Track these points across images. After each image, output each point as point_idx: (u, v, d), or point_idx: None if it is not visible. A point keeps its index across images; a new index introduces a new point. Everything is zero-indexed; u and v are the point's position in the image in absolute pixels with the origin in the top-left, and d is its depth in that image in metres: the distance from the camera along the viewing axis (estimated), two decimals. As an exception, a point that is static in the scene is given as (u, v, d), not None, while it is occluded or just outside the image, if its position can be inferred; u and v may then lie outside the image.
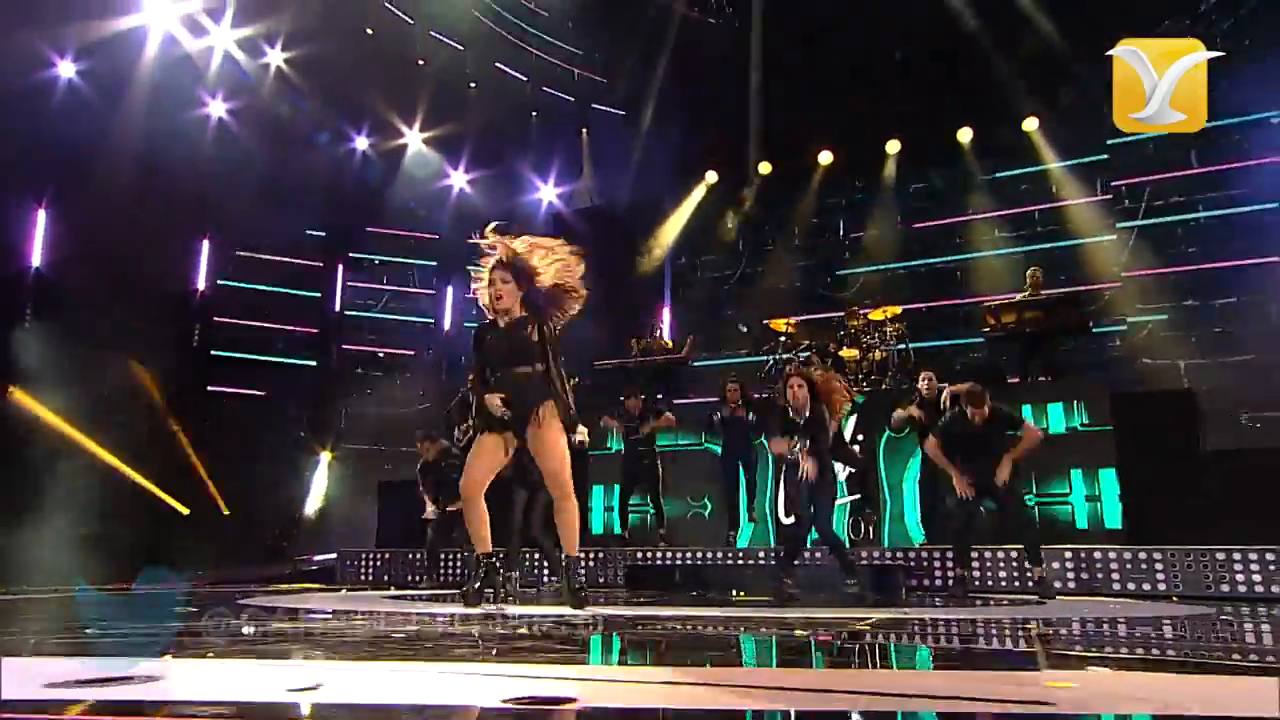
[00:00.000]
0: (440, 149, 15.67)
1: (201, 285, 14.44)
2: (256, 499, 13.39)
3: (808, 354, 10.52)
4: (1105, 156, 12.32)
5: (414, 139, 15.40)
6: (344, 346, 15.28)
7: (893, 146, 13.65)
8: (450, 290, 16.18)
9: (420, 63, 14.43)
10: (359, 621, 4.61)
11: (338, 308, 15.28)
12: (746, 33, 13.73)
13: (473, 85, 15.02)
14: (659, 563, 9.01)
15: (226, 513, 13.04)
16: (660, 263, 15.06)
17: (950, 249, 13.25)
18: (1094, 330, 10.18)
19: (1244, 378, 9.76)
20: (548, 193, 16.49)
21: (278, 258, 14.64)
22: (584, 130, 15.97)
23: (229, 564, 11.92)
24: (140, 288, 12.06)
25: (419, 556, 9.75)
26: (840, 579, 6.66)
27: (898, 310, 10.85)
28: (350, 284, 15.56)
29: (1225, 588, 7.10)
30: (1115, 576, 7.45)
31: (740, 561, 8.82)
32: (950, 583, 7.44)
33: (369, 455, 14.50)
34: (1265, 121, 11.33)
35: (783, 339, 11.28)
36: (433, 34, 14.43)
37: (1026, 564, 7.20)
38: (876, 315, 10.83)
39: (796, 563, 7.13)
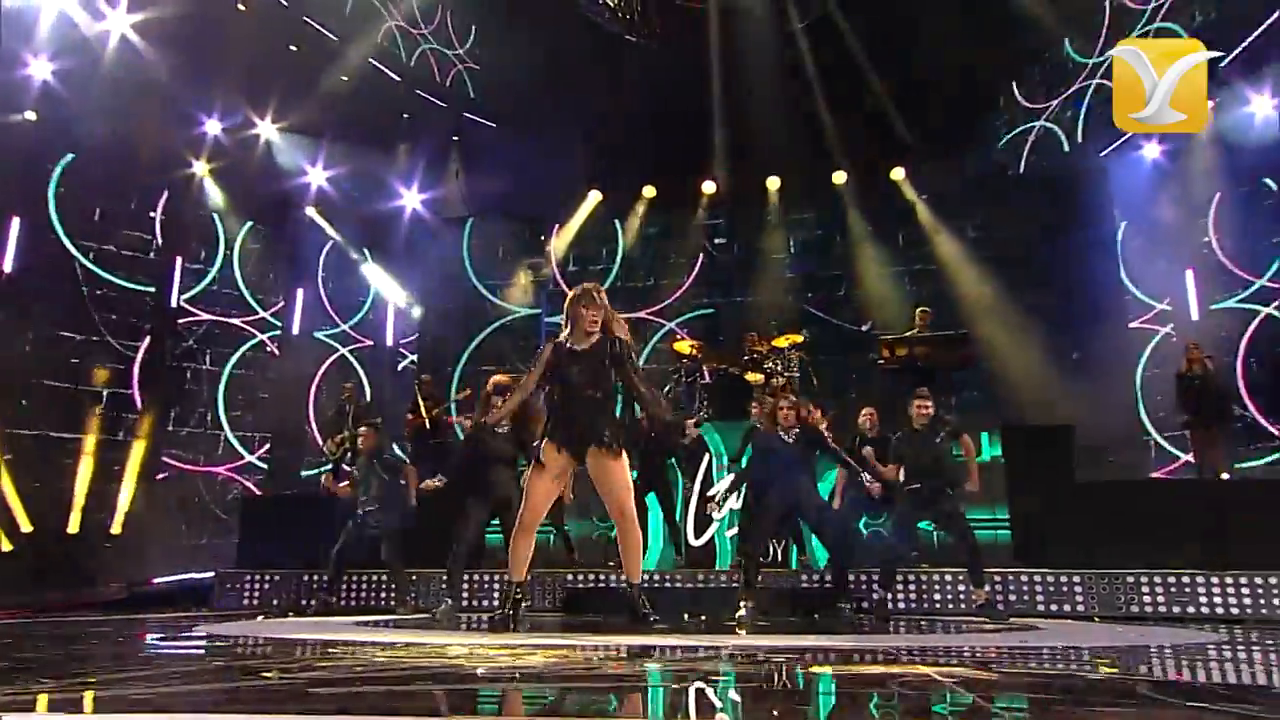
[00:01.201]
0: (301, 143, 14.54)
1: (8, 268, 12.45)
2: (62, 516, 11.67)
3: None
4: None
5: (270, 129, 14.19)
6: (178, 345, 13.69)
7: (773, 183, 14.13)
8: (300, 295, 14.97)
9: (292, 49, 13.35)
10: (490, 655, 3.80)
11: (174, 303, 13.67)
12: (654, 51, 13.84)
13: (344, 79, 14.09)
14: (601, 585, 8.69)
15: (29, 529, 11.26)
16: (546, 279, 14.71)
17: (832, 284, 13.85)
18: (978, 365, 10.99)
19: (1099, 411, 10.89)
20: (412, 198, 15.72)
21: (105, 246, 12.90)
22: (456, 137, 15.41)
23: (29, 588, 10.31)
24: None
25: (318, 579, 8.87)
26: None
27: (799, 337, 11.17)
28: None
29: (1135, 608, 7.76)
30: (1040, 598, 7.96)
31: (680, 585, 8.66)
32: (872, 604, 7.71)
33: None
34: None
35: (685, 360, 11.32)
36: (306, 19, 13.42)
37: (969, 586, 7.59)
38: (780, 342, 11.11)
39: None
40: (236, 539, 10.39)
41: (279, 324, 14.62)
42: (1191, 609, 7.65)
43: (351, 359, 15.03)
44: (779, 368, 10.89)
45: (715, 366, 11.05)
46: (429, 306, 15.36)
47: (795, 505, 7.08)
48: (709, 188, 14.31)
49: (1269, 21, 11.19)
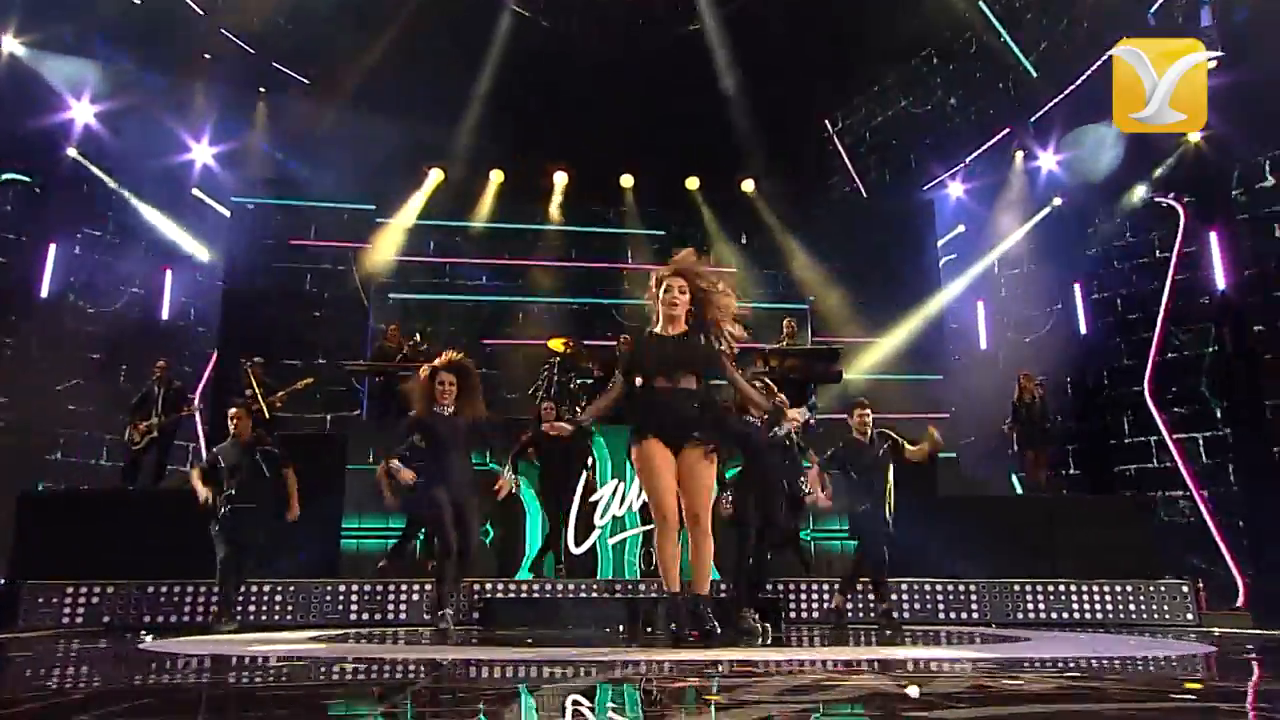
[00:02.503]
0: (61, 66, 11.96)
1: None
2: None
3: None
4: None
5: (12, 44, 11.49)
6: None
7: (627, 180, 13.83)
8: (52, 250, 12.28)
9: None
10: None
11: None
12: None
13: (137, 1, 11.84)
14: (521, 596, 8.00)
15: None
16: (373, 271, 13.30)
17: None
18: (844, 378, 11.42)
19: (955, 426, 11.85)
20: (202, 152, 13.53)
21: None
22: (263, 89, 13.51)
23: None
24: None
25: (163, 591, 7.68)
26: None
27: None
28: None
29: (1020, 615, 8.35)
30: (941, 607, 8.35)
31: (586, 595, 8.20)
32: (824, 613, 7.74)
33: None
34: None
35: (556, 359, 10.72)
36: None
37: (872, 598, 7.69)
38: None
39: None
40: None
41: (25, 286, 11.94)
42: (1066, 615, 8.38)
43: (123, 335, 12.51)
44: None
45: (587, 365, 10.55)
46: (231, 280, 13.25)
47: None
48: (561, 179, 13.70)
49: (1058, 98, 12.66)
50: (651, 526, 8.71)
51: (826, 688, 2.76)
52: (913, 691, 2.52)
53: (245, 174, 13.63)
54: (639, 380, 4.50)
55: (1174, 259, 11.56)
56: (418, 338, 10.71)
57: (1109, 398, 12.03)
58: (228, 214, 13.58)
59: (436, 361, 6.10)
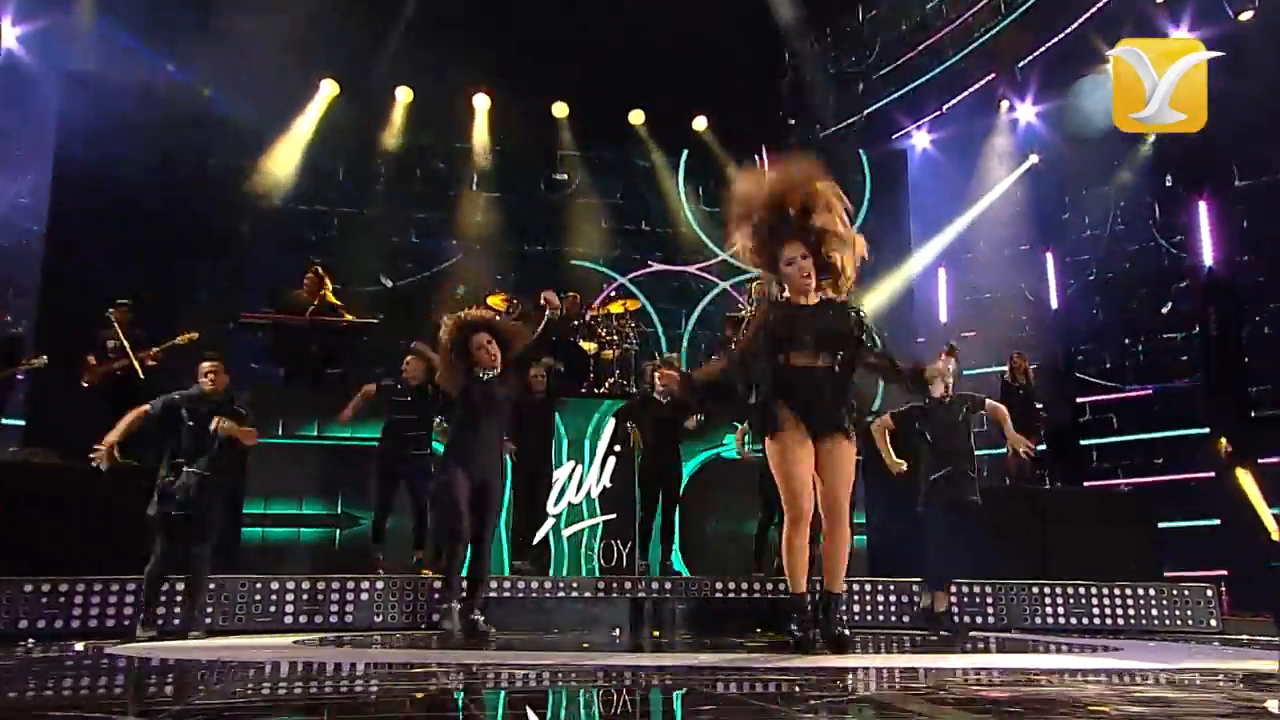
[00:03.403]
0: None
1: None
2: None
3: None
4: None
5: None
6: None
7: (561, 109, 12.05)
8: None
9: None
10: None
11: None
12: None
13: None
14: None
15: None
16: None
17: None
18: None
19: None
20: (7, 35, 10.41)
21: None
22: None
23: None
24: None
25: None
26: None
27: (637, 304, 9.64)
28: None
29: (1039, 620, 7.43)
30: (955, 610, 7.12)
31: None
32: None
33: None
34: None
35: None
36: None
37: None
38: (615, 308, 9.48)
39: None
40: None
41: None
42: (1086, 620, 7.50)
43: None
44: (616, 340, 9.17)
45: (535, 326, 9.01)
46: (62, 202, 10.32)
47: None
48: (482, 101, 11.77)
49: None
50: (612, 517, 7.82)
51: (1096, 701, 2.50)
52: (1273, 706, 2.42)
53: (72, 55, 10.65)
54: (777, 356, 4.05)
55: (1157, 229, 10.81)
56: (325, 283, 8.67)
57: (1079, 379, 11.23)
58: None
59: (463, 314, 5.37)
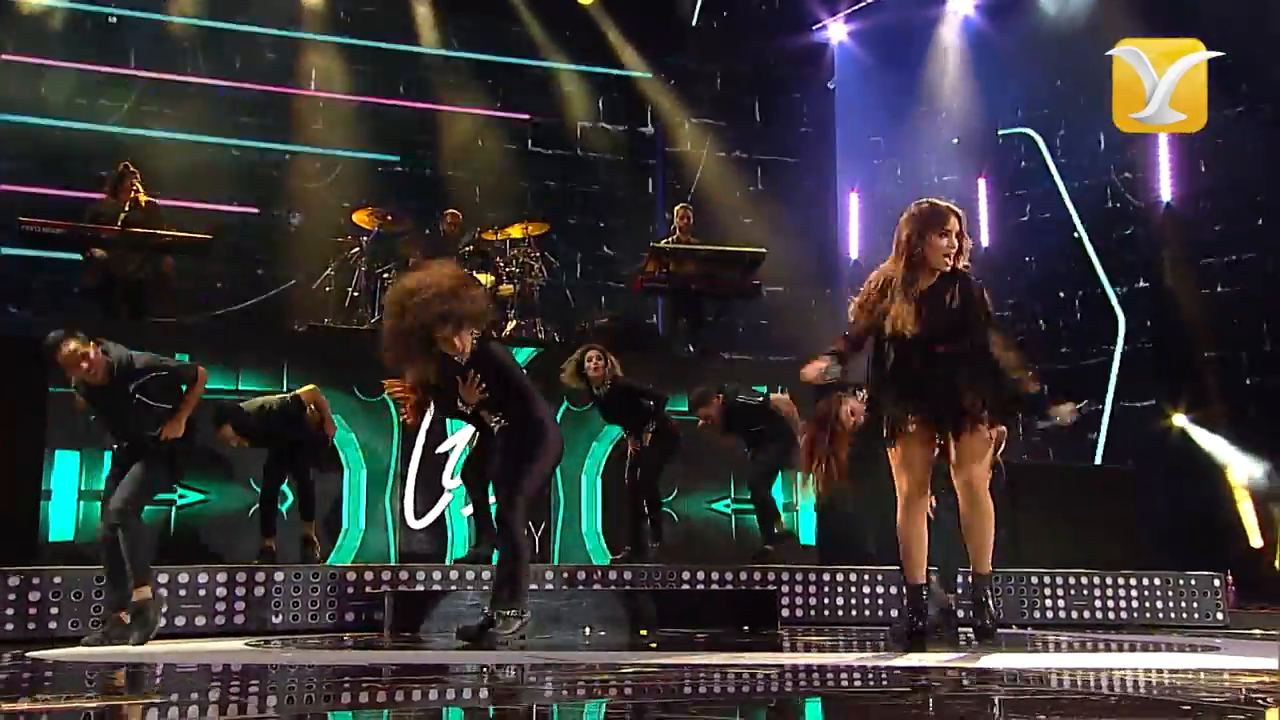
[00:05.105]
0: None
1: None
2: None
3: None
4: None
5: None
6: None
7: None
8: None
9: None
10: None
11: None
12: None
13: None
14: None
15: None
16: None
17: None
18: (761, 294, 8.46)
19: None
20: None
21: None
22: None
23: None
24: None
25: None
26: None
27: (545, 227, 7.81)
28: None
29: (1038, 614, 6.60)
30: (950, 600, 5.86)
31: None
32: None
33: None
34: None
35: (365, 240, 7.59)
36: None
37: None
38: (515, 232, 7.86)
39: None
40: None
41: None
42: (1088, 614, 6.67)
43: None
44: (517, 270, 7.71)
45: (412, 252, 7.59)
46: None
47: None
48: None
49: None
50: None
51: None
52: None
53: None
54: (893, 343, 3.84)
55: (1107, 156, 9.59)
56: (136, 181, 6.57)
57: (1012, 331, 10.04)
58: None
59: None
